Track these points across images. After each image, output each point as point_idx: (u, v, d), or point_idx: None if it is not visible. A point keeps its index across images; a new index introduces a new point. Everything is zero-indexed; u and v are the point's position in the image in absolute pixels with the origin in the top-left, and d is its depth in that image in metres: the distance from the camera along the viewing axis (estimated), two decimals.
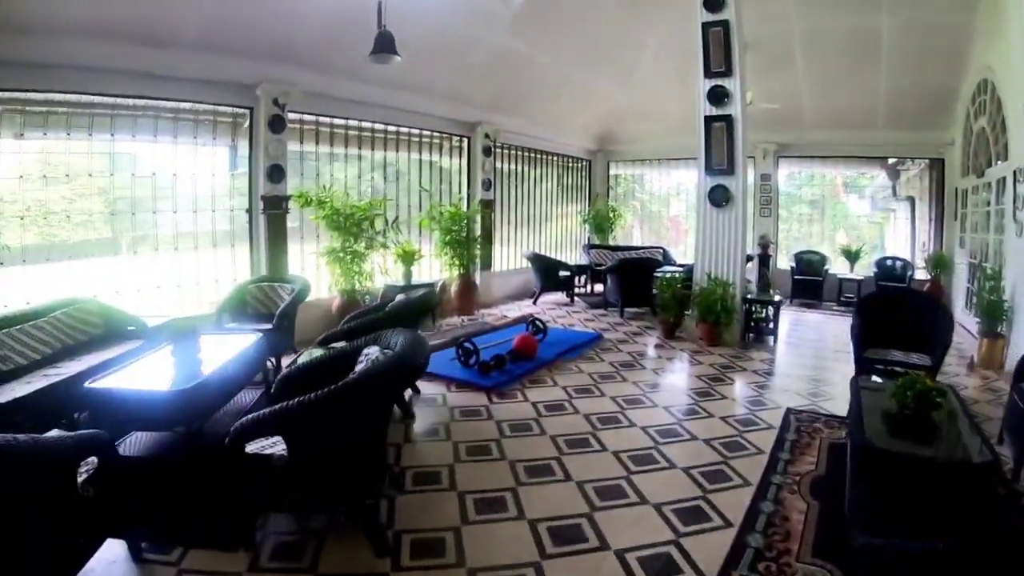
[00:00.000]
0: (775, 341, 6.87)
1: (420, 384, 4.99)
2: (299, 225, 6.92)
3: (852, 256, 10.10)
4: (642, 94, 10.29)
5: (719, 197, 6.89)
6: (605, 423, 4.17)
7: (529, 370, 5.30)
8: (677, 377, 5.60)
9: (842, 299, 9.83)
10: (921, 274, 9.61)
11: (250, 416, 2.53)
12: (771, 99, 8.68)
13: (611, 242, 11.80)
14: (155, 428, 3.45)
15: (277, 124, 6.26)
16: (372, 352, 2.79)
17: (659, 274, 8.23)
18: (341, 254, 6.55)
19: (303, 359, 3.50)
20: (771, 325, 6.95)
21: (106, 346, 4.45)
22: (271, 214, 6.31)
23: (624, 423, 4.19)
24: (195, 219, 6.16)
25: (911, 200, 10.97)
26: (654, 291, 8.07)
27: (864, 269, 10.18)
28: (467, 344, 5.27)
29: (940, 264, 9.16)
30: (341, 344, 4.25)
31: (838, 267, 10.37)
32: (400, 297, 4.43)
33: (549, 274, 9.49)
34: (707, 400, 4.75)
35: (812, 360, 6.33)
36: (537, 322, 6.45)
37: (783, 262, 10.74)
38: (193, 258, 6.20)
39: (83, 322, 4.59)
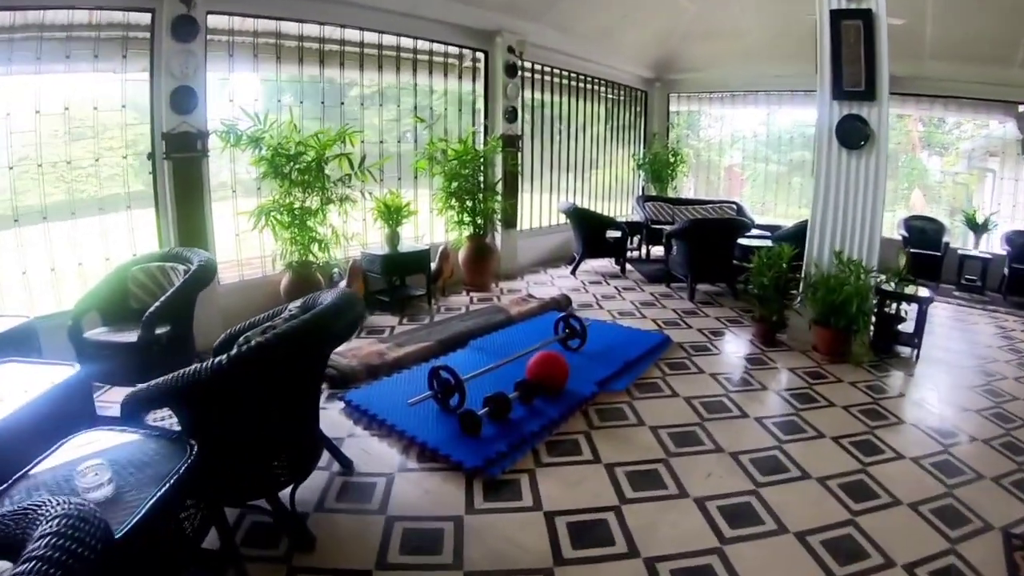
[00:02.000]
0: (917, 357, 4.53)
1: (366, 441, 3.00)
2: (231, 178, 4.89)
3: (978, 226, 7.42)
4: (714, 2, 7.60)
5: (854, 134, 4.44)
6: None
7: (551, 421, 3.16)
8: (799, 440, 3.19)
9: (963, 281, 7.24)
10: None
11: None
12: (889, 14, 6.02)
13: (671, 193, 9.40)
14: None
15: (183, 28, 4.14)
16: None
17: (746, 242, 5.92)
18: (278, 214, 4.52)
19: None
20: (907, 328, 4.62)
21: None
22: (178, 159, 4.29)
23: None
24: (69, 170, 4.21)
25: None
26: (737, 263, 5.81)
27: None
28: (445, 373, 3.19)
29: None
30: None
31: (957, 239, 7.80)
32: (293, 308, 2.31)
33: (593, 235, 7.18)
34: (866, 508, 2.51)
35: (980, 395, 3.94)
36: (572, 320, 4.32)
37: (886, 230, 8.24)
38: (71, 229, 4.30)
39: None
